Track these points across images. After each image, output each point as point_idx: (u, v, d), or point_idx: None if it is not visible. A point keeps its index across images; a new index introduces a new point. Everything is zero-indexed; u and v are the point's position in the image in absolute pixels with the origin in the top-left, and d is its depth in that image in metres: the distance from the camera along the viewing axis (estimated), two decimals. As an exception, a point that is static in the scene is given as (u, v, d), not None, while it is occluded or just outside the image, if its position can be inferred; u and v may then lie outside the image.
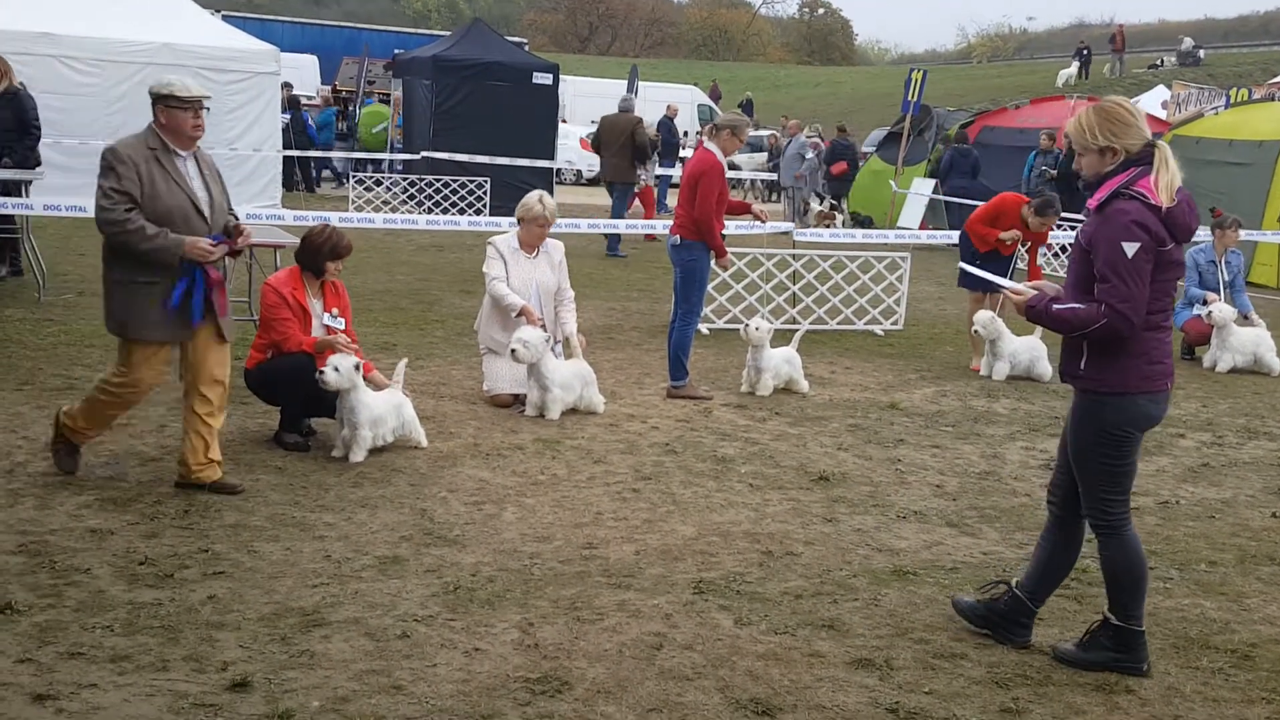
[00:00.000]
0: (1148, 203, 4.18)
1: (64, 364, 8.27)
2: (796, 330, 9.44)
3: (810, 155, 22.56)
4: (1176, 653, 4.66)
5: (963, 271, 10.44)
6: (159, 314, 5.57)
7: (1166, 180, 4.21)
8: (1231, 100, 24.04)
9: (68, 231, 14.45)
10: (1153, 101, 27.19)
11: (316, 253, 6.73)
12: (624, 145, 17.49)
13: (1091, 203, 4.38)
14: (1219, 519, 6.46)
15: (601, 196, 27.76)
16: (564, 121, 26.97)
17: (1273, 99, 22.21)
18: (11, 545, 4.99)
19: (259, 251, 7.88)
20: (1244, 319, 11.03)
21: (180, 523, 5.40)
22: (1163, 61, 48.62)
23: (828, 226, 18.88)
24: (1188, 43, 49.58)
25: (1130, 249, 4.16)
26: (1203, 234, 12.65)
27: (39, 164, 11.28)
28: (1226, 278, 11.19)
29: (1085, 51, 48.66)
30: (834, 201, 22.44)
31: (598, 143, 18.26)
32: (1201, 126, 19.40)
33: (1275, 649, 4.74)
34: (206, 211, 5.68)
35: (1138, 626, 4.45)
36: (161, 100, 5.55)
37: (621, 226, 15.43)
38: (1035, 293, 4.48)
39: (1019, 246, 10.35)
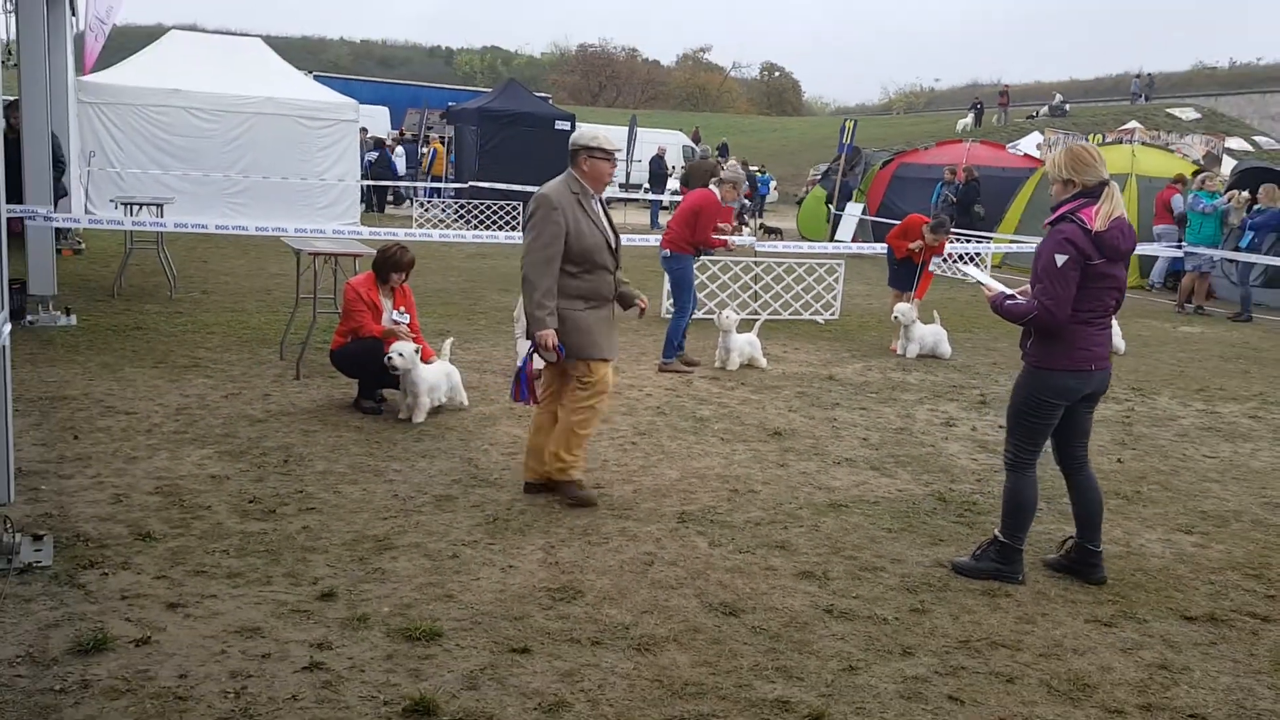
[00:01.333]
0: (1083, 226, 4.15)
1: (191, 347, 8.21)
2: (757, 320, 9.41)
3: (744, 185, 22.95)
4: (1044, 565, 4.63)
5: (891, 272, 10.47)
6: (604, 334, 5.07)
7: (1106, 210, 4.17)
8: (1089, 142, 23.95)
9: (193, 243, 14.36)
10: (1029, 144, 27.08)
11: (384, 264, 6.69)
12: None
13: (1045, 223, 4.36)
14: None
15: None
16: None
17: (1120, 142, 22.11)
18: (150, 488, 4.96)
19: (343, 260, 7.80)
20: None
21: (281, 470, 5.36)
22: (1037, 113, 48.35)
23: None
24: (1057, 98, 49.33)
25: (1060, 260, 4.14)
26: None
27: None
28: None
29: (978, 105, 48.38)
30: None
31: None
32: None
33: (1119, 562, 4.72)
34: (615, 247, 5.14)
35: (1019, 545, 4.46)
36: (587, 150, 5.02)
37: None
38: (1001, 290, 4.47)
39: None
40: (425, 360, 6.53)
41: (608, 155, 5.10)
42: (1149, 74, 56.05)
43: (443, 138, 26.43)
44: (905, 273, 10.37)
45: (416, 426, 6.32)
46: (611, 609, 3.94)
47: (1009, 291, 4.46)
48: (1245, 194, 14.94)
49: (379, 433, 6.16)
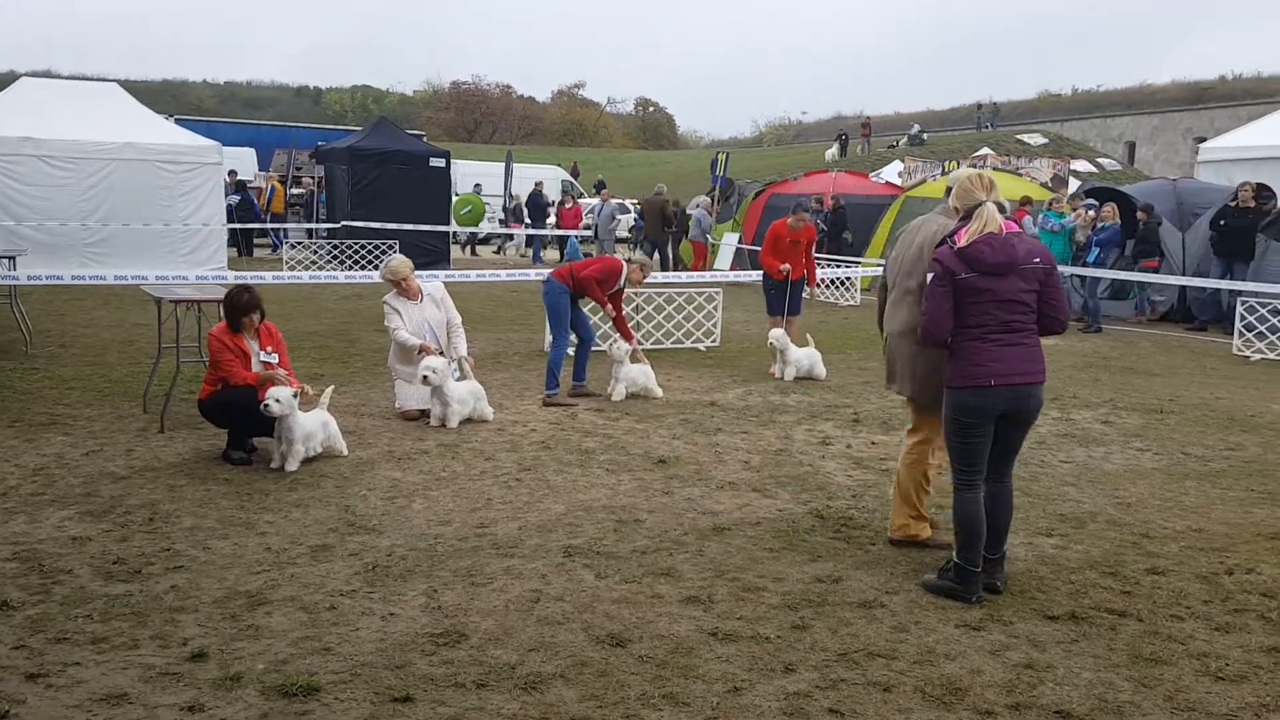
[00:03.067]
0: (951, 244, 4.39)
1: (49, 404, 7.80)
2: (643, 348, 9.47)
3: (620, 217, 23.64)
4: (915, 574, 4.78)
5: (768, 300, 10.72)
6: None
7: (974, 228, 4.35)
8: (945, 169, 25.07)
9: (49, 297, 13.72)
10: (891, 172, 28.19)
11: (230, 310, 6.51)
12: (657, 216, 21.54)
13: (933, 249, 4.57)
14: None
15: (484, 252, 27.66)
16: (456, 195, 26.68)
17: (974, 168, 23.25)
18: (7, 554, 4.68)
19: (206, 306, 7.56)
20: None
21: (146, 528, 5.13)
22: (898, 143, 50.29)
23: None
24: (915, 128, 51.49)
25: (929, 277, 4.42)
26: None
27: None
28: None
29: (843, 136, 50.20)
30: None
31: (641, 214, 22.11)
32: (926, 189, 20.21)
33: (989, 569, 4.91)
34: None
35: (970, 566, 4.47)
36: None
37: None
38: None
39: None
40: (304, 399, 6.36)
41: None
42: (993, 103, 59.12)
43: (286, 178, 25.78)
44: (779, 299, 10.67)
45: (291, 475, 6.14)
46: (497, 649, 3.89)
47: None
48: (1091, 213, 15.89)
49: (250, 484, 5.96)
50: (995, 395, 4.38)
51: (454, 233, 23.90)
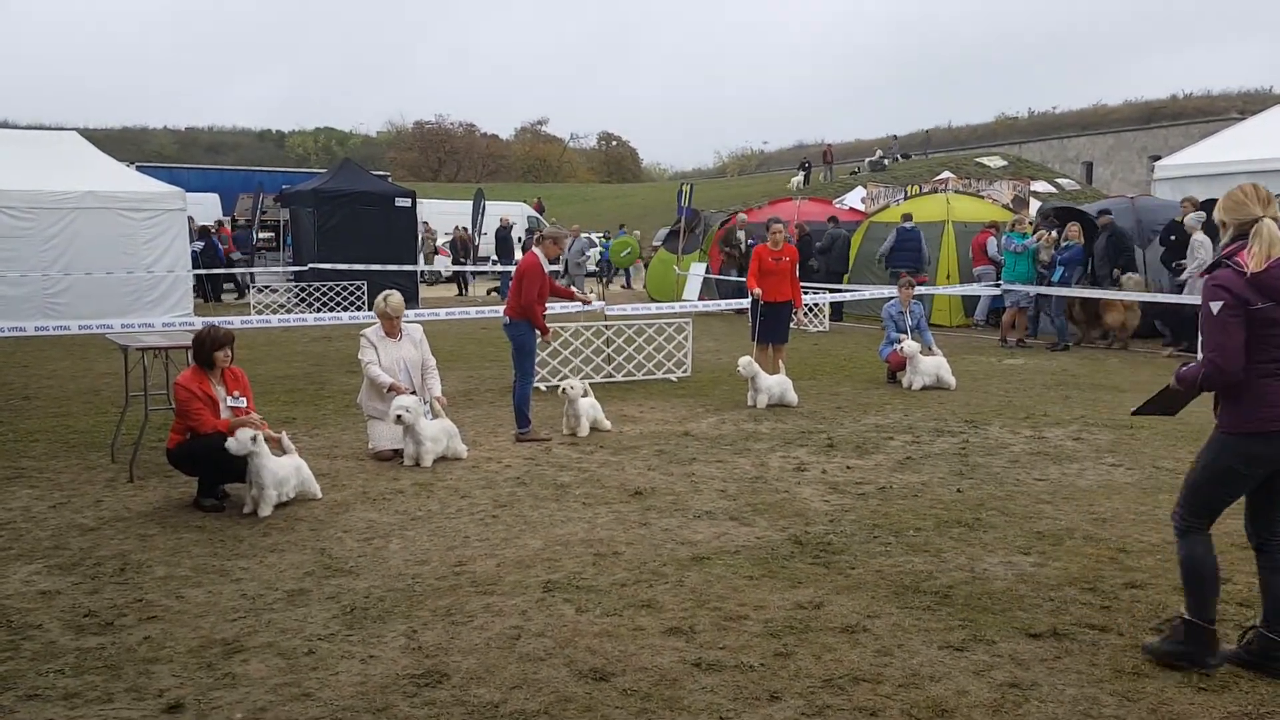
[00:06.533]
0: (1237, 269, 3.81)
1: (13, 457, 7.66)
2: (611, 381, 9.47)
3: (590, 251, 23.72)
4: (897, 597, 4.79)
5: (762, 327, 10.78)
6: None
7: (1259, 250, 3.79)
8: (908, 194, 25.44)
9: (11, 348, 13.55)
10: (854, 198, 28.52)
11: (202, 348, 6.44)
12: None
13: (1201, 272, 4.14)
14: (920, 496, 6.70)
15: (453, 290, 27.62)
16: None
17: (935, 192, 23.57)
18: (-30, 612, 4.58)
19: (174, 352, 7.48)
20: (928, 350, 11.59)
21: (118, 579, 5.03)
22: (860, 169, 51.04)
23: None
24: (878, 154, 52.27)
25: (1215, 307, 3.81)
26: (890, 290, 13.32)
27: None
28: (911, 322, 11.77)
29: (807, 164, 50.78)
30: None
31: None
32: (889, 214, 20.47)
33: (965, 588, 4.93)
34: None
35: (1208, 622, 3.98)
36: None
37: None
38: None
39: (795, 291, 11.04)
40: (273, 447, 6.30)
41: None
42: (925, 131, 60.14)
43: (253, 221, 25.66)
44: (766, 327, 10.76)
45: (264, 520, 6.06)
46: (479, 688, 3.85)
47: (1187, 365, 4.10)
48: (1053, 233, 16.15)
49: (223, 530, 5.88)
50: None
51: (421, 273, 23.87)
